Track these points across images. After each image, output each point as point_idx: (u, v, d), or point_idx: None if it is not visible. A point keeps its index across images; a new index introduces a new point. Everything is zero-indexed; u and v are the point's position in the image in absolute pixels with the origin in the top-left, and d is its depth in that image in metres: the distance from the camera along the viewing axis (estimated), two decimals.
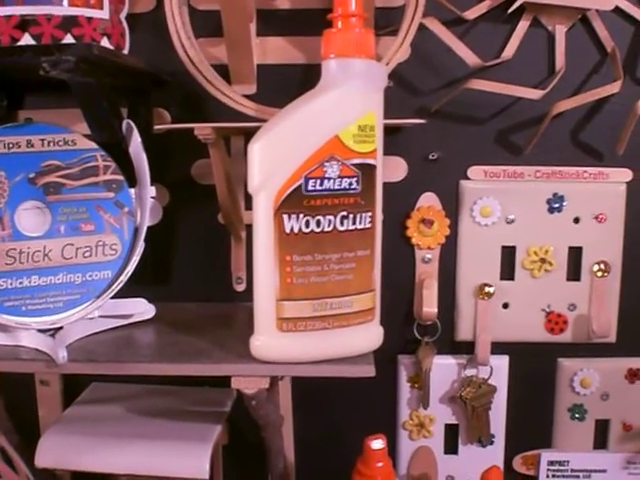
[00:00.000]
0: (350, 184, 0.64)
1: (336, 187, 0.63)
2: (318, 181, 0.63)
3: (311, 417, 0.97)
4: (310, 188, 0.62)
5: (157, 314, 0.83)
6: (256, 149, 0.64)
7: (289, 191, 0.62)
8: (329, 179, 0.63)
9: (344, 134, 0.62)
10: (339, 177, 0.63)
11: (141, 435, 0.81)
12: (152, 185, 0.79)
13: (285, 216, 0.63)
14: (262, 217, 0.64)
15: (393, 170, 0.88)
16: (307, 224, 0.63)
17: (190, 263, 0.92)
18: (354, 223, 0.65)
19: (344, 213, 0.64)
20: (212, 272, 0.92)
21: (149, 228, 0.79)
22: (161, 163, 0.88)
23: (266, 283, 0.66)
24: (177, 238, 0.92)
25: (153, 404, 0.89)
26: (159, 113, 0.88)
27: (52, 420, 0.89)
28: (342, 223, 0.64)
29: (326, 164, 0.62)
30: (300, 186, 0.62)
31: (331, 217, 0.64)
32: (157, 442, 0.80)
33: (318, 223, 0.63)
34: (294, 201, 0.62)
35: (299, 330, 0.66)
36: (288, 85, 0.86)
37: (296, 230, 0.63)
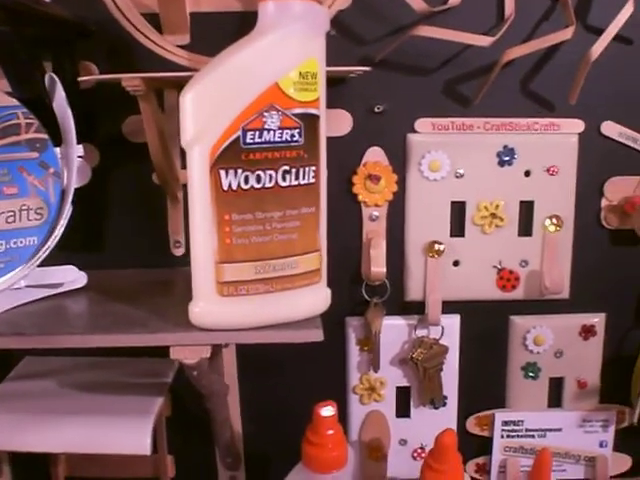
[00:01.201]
0: (292, 136, 0.59)
1: (277, 139, 0.59)
2: (257, 133, 0.58)
3: (258, 384, 0.93)
4: (249, 140, 0.58)
5: (90, 282, 0.78)
6: (188, 99, 0.59)
7: (226, 144, 0.58)
8: (269, 130, 0.58)
9: (284, 81, 0.58)
10: (280, 128, 0.59)
11: (78, 411, 0.78)
12: (79, 144, 0.74)
13: (222, 172, 0.58)
14: (197, 173, 0.59)
15: (337, 123, 0.84)
16: (246, 180, 0.59)
17: (124, 227, 0.87)
18: (297, 178, 0.60)
19: (286, 167, 0.60)
20: (148, 236, 0.87)
21: (78, 190, 0.74)
22: (90, 120, 0.83)
23: (204, 245, 0.61)
24: (109, 200, 0.87)
25: (91, 377, 0.85)
26: (86, 66, 0.82)
27: None
28: (284, 178, 0.60)
29: (265, 114, 0.58)
30: (238, 138, 0.58)
31: (272, 172, 0.59)
32: (95, 418, 0.77)
33: (258, 179, 0.59)
34: (231, 155, 0.58)
35: (241, 294, 0.61)
36: (224, 34, 0.80)
37: (234, 187, 0.59)
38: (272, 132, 0.58)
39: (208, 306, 0.63)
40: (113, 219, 0.87)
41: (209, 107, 0.58)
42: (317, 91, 0.61)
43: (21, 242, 0.73)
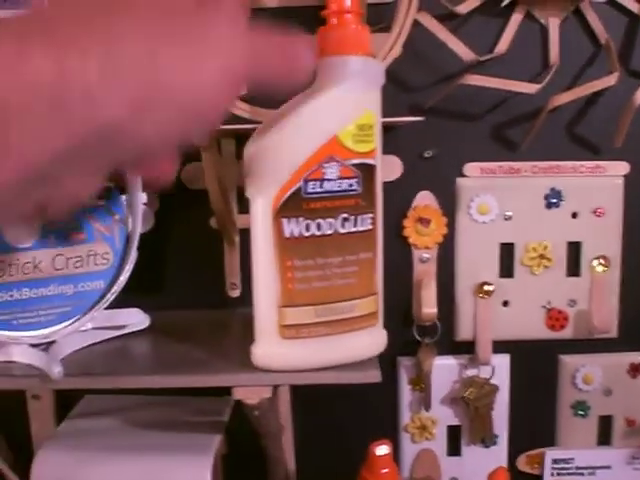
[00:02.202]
0: (350, 185, 0.62)
1: (336, 189, 0.61)
2: (318, 183, 0.61)
3: (311, 423, 0.95)
4: (310, 190, 0.60)
5: (151, 324, 0.81)
6: (253, 152, 0.62)
7: (288, 194, 0.60)
8: (329, 180, 0.61)
9: (343, 134, 0.61)
10: (339, 178, 0.61)
11: (139, 448, 0.79)
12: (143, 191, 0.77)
13: (284, 220, 0.61)
14: (260, 222, 0.62)
15: (388, 169, 0.86)
16: (307, 228, 0.61)
17: (183, 270, 0.90)
18: (355, 225, 0.63)
19: (345, 215, 0.62)
20: (205, 278, 0.90)
21: (140, 235, 0.77)
22: None
23: (267, 290, 0.64)
24: (168, 245, 0.90)
25: (149, 415, 0.87)
26: None
27: (45, 435, 0.87)
28: (343, 225, 0.62)
29: (325, 165, 0.60)
30: (299, 189, 0.60)
31: (332, 220, 0.62)
32: (156, 455, 0.78)
33: (319, 226, 0.61)
34: (293, 204, 0.61)
35: (302, 337, 0.64)
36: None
37: (296, 234, 0.61)
38: (332, 182, 0.61)
39: (270, 348, 0.65)
40: (172, 262, 0.90)
41: (272, 159, 0.61)
42: (373, 142, 0.64)
43: (88, 286, 0.76)
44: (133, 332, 0.80)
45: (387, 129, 0.85)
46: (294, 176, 0.60)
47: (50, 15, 0.31)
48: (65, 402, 0.91)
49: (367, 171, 0.63)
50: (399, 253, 0.89)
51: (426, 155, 0.87)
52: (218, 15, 0.35)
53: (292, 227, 0.61)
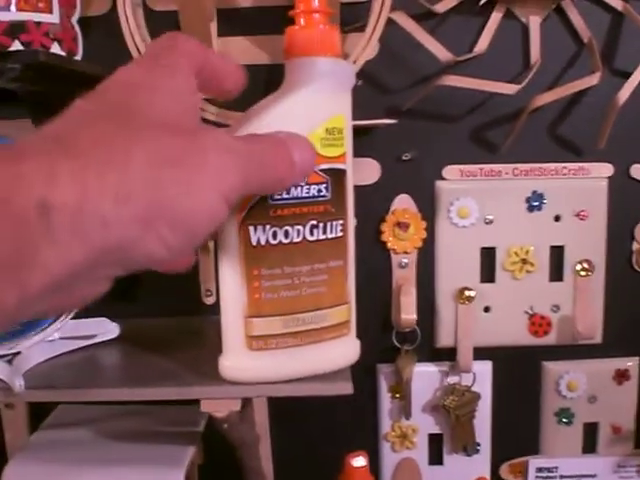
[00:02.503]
0: (319, 191, 0.60)
1: (304, 194, 0.59)
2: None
3: (289, 433, 0.93)
4: (276, 197, 0.58)
5: (123, 332, 0.79)
6: None
7: (254, 201, 0.58)
8: (296, 186, 0.59)
9: (311, 138, 0.58)
10: (307, 184, 0.59)
11: (111, 460, 0.77)
12: None
13: (251, 227, 0.59)
14: (227, 229, 0.60)
15: (365, 172, 0.84)
16: (275, 235, 0.59)
17: (155, 276, 0.87)
18: (324, 232, 0.61)
19: (314, 222, 0.60)
20: (179, 285, 0.87)
21: None
22: None
23: (233, 299, 0.61)
24: None
25: (123, 426, 0.85)
26: None
27: (19, 444, 0.85)
28: (312, 233, 0.60)
29: None
30: (266, 195, 0.58)
31: (300, 227, 0.59)
32: (128, 467, 0.76)
33: (286, 234, 0.59)
34: (260, 211, 0.58)
35: (270, 348, 0.61)
36: (252, 87, 0.81)
37: (263, 242, 0.59)
38: (299, 188, 0.59)
39: (238, 360, 0.63)
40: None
41: None
42: (343, 146, 0.61)
43: None
44: (102, 342, 0.78)
45: (364, 132, 0.83)
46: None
47: (71, 132, 0.35)
48: (39, 411, 0.89)
49: (337, 176, 0.61)
50: (377, 258, 0.87)
51: (404, 158, 0.85)
52: (215, 135, 0.40)
53: (259, 235, 0.59)
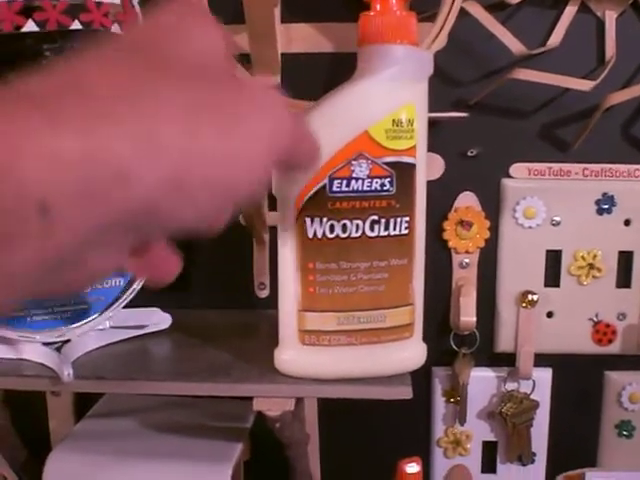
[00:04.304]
0: (382, 185, 0.57)
1: (365, 188, 0.57)
2: (344, 181, 0.56)
3: (339, 434, 0.91)
4: (335, 189, 0.56)
5: (175, 323, 0.78)
6: None
7: (312, 192, 0.56)
8: (357, 179, 0.56)
9: (374, 129, 0.56)
10: (369, 177, 0.56)
11: (156, 453, 0.76)
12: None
13: (308, 219, 0.57)
14: (285, 220, 0.58)
15: (428, 167, 0.80)
16: (332, 229, 0.57)
17: (210, 268, 0.87)
18: (387, 229, 0.58)
19: (375, 217, 0.57)
20: (233, 277, 0.86)
21: None
22: None
23: (288, 291, 0.60)
24: (195, 241, 0.86)
25: (170, 418, 0.84)
26: None
27: (64, 433, 0.84)
28: (372, 228, 0.58)
29: (353, 162, 0.56)
30: (324, 187, 0.56)
31: (359, 221, 0.57)
32: (173, 461, 0.75)
33: (344, 228, 0.57)
34: (317, 203, 0.56)
35: (322, 344, 0.60)
36: (315, 75, 0.80)
37: (319, 235, 0.57)
38: (360, 181, 0.56)
39: (291, 353, 0.62)
40: (199, 259, 0.87)
41: None
42: (413, 139, 0.59)
43: (107, 283, 0.72)
44: (154, 332, 0.76)
45: (429, 125, 0.80)
46: (319, 173, 0.56)
47: (85, 73, 0.28)
48: (85, 400, 0.88)
49: (403, 170, 0.58)
50: (438, 257, 0.84)
51: (470, 154, 0.82)
52: (258, 92, 0.34)
53: (315, 227, 0.57)
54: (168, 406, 0.86)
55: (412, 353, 0.64)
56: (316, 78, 0.78)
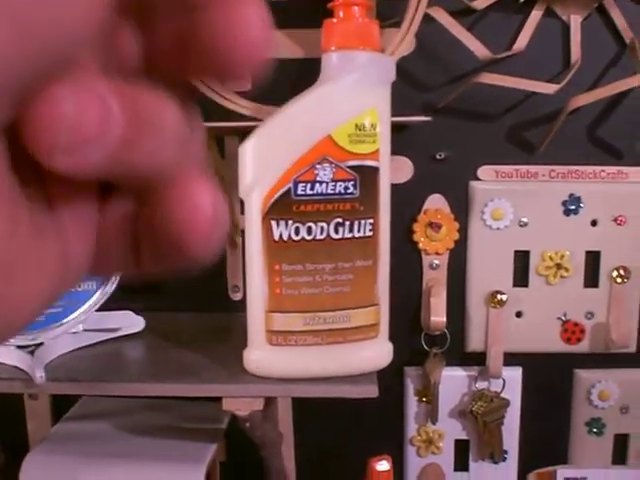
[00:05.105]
0: (346, 188, 0.58)
1: (329, 192, 0.58)
2: (308, 185, 0.57)
3: (314, 433, 0.92)
4: (300, 192, 0.57)
5: (148, 326, 0.78)
6: (245, 150, 0.59)
7: (277, 195, 0.57)
8: (321, 183, 0.57)
9: (338, 133, 0.57)
10: (333, 181, 0.58)
11: (131, 455, 0.77)
12: None
13: (273, 222, 0.58)
14: (251, 223, 0.59)
15: (398, 171, 0.83)
16: (297, 231, 0.58)
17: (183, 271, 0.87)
18: (351, 231, 0.59)
19: (339, 220, 0.59)
20: (207, 280, 0.86)
21: None
22: None
23: (256, 293, 0.61)
24: None
25: (146, 420, 0.84)
26: None
27: (41, 435, 0.84)
28: (337, 231, 0.59)
29: (317, 166, 0.57)
30: (289, 190, 0.57)
31: (324, 224, 0.58)
32: (148, 462, 0.75)
33: (309, 230, 0.58)
34: (283, 206, 0.57)
35: (290, 344, 0.61)
36: (285, 81, 0.80)
37: (285, 237, 0.58)
38: (324, 184, 0.58)
39: (260, 354, 0.63)
40: None
41: (264, 158, 0.59)
42: (377, 143, 0.60)
43: (79, 286, 0.73)
44: (127, 335, 0.77)
45: (397, 129, 0.81)
46: (283, 177, 0.57)
47: None
48: (63, 402, 0.89)
49: (367, 174, 0.60)
50: (408, 259, 0.86)
51: (438, 157, 0.83)
52: None
53: (281, 230, 0.58)
54: (144, 408, 0.87)
55: (378, 352, 0.65)
56: (284, 84, 0.79)
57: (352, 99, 0.58)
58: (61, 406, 0.89)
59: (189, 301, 0.87)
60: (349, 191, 0.59)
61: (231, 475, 0.92)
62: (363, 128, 0.58)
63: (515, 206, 0.84)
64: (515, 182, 0.84)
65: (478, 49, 0.77)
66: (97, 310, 0.74)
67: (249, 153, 0.59)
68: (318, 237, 0.59)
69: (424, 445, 0.91)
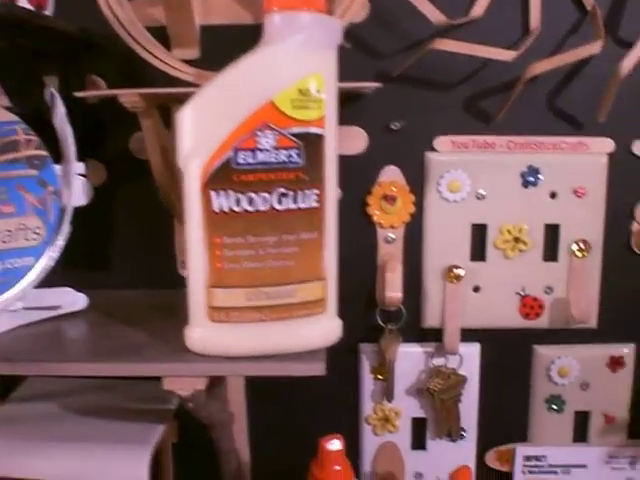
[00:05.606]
0: (289, 157, 0.56)
1: (272, 160, 0.55)
2: (250, 153, 0.54)
3: (267, 412, 0.90)
4: (240, 161, 0.54)
5: (93, 304, 0.76)
6: (183, 117, 0.56)
7: (217, 165, 0.54)
8: (263, 151, 0.55)
9: (280, 99, 0.54)
10: (275, 149, 0.55)
11: (77, 438, 0.75)
12: (85, 161, 0.71)
13: (213, 193, 0.55)
14: (190, 194, 0.56)
15: (352, 142, 0.80)
16: (238, 202, 0.55)
17: (131, 246, 0.85)
18: (295, 202, 0.57)
19: (282, 190, 0.56)
20: (155, 256, 0.84)
21: (84, 208, 0.72)
22: (97, 137, 0.81)
23: (197, 268, 0.58)
24: (117, 219, 0.84)
25: (94, 401, 0.82)
26: (93, 81, 0.80)
27: None
28: (280, 201, 0.56)
29: (259, 133, 0.54)
30: (229, 159, 0.54)
31: (266, 194, 0.56)
32: (93, 446, 0.74)
33: (251, 201, 0.55)
34: (223, 176, 0.55)
35: (232, 321, 0.58)
36: (236, 48, 0.77)
37: (226, 209, 0.55)
38: (266, 152, 0.55)
39: (202, 331, 0.60)
40: (120, 238, 0.85)
41: (202, 126, 0.56)
42: (322, 109, 0.57)
43: (17, 262, 0.70)
44: (70, 313, 0.74)
45: (350, 98, 0.79)
46: (223, 145, 0.54)
47: None
48: (8, 383, 0.86)
49: (311, 142, 0.57)
50: (362, 233, 0.83)
51: (393, 127, 0.81)
52: None
53: (221, 201, 0.55)
54: (92, 390, 0.85)
55: (325, 329, 0.62)
56: (236, 50, 0.76)
57: (295, 62, 0.55)
58: (5, 388, 0.86)
59: (137, 278, 0.85)
60: (293, 160, 0.56)
61: (183, 457, 0.90)
62: (307, 93, 0.56)
63: (472, 178, 0.81)
64: (472, 153, 0.82)
65: (433, 14, 0.74)
66: (36, 287, 0.71)
67: (187, 120, 0.56)
68: (260, 208, 0.56)
69: (380, 423, 0.89)
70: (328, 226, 0.60)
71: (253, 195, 0.55)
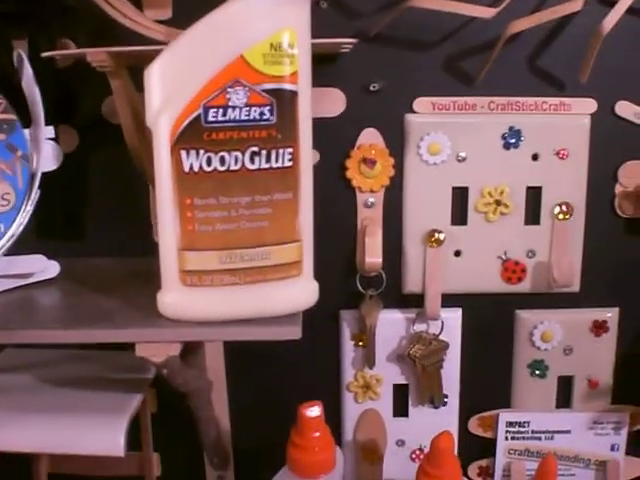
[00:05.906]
0: (261, 114, 0.54)
1: (243, 117, 0.53)
2: (220, 110, 0.53)
3: (247, 379, 0.89)
4: (211, 119, 0.53)
5: (66, 271, 0.74)
6: (151, 73, 0.54)
7: (186, 123, 0.53)
8: (234, 108, 0.53)
9: (250, 53, 0.52)
10: (246, 105, 0.53)
11: (53, 408, 0.73)
12: (57, 125, 0.70)
13: (183, 152, 0.53)
14: (160, 153, 0.55)
15: (329, 103, 0.78)
16: (209, 161, 0.54)
17: (105, 213, 0.83)
18: (268, 161, 0.55)
19: (255, 149, 0.54)
20: (129, 222, 0.82)
21: (57, 176, 0.70)
22: (68, 101, 0.79)
23: (168, 231, 0.57)
24: (90, 185, 0.82)
25: (70, 372, 0.81)
26: (63, 44, 0.77)
27: None
28: (252, 160, 0.54)
29: (229, 90, 0.53)
30: (199, 116, 0.52)
31: (238, 153, 0.54)
32: (70, 416, 0.72)
33: (222, 160, 0.54)
34: (193, 134, 0.53)
35: (205, 285, 0.57)
36: (209, 7, 0.75)
37: (196, 168, 0.54)
38: (238, 110, 0.53)
39: (174, 296, 0.59)
40: (93, 204, 0.83)
41: (171, 83, 0.54)
42: (295, 65, 0.55)
43: None
44: (43, 281, 0.72)
45: (328, 58, 0.77)
46: (192, 102, 0.53)
47: None
48: None
49: (284, 98, 0.55)
50: (341, 197, 0.82)
51: (372, 88, 0.79)
52: None
53: (192, 160, 0.53)
54: (69, 360, 0.84)
55: (301, 292, 0.61)
56: (209, 10, 0.74)
57: (266, 16, 0.54)
58: None
59: (111, 245, 0.83)
60: (265, 117, 0.54)
61: (163, 426, 0.89)
62: (279, 48, 0.54)
63: (453, 140, 0.80)
64: (452, 115, 0.80)
65: None
66: (6, 255, 0.69)
67: (155, 77, 0.54)
68: (232, 168, 0.54)
69: (361, 391, 0.88)
70: (303, 187, 0.58)
71: (224, 154, 0.54)
